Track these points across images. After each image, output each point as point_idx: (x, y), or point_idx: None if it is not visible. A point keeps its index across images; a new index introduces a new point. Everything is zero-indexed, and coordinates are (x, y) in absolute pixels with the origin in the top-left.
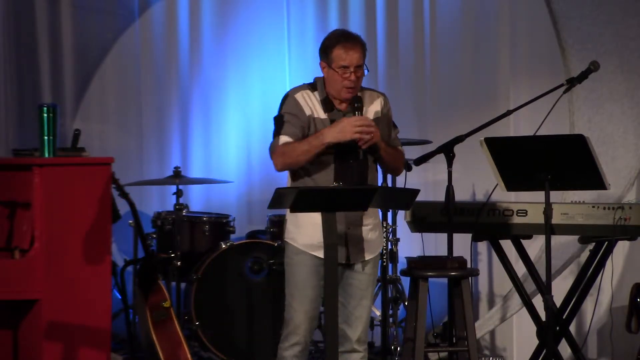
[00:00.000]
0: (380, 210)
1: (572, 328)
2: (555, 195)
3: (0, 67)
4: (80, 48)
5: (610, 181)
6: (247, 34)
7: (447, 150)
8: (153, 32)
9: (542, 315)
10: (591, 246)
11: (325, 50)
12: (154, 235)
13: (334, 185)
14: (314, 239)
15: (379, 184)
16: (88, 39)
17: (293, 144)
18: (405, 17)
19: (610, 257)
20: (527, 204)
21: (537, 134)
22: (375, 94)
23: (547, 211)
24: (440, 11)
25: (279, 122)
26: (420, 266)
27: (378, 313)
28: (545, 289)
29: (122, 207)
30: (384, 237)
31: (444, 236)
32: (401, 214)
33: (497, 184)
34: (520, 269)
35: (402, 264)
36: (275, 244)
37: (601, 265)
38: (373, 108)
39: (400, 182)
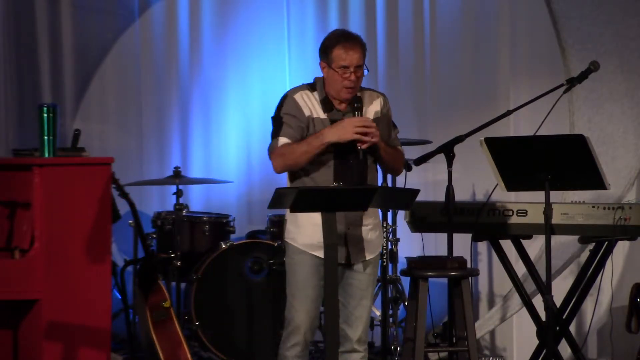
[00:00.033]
0: (380, 210)
1: (572, 328)
2: (555, 195)
3: (0, 67)
4: (80, 48)
5: (610, 181)
6: (247, 34)
7: (447, 150)
8: (153, 32)
9: (542, 315)
10: (591, 246)
11: (325, 50)
12: (154, 235)
13: (334, 185)
14: (314, 239)
15: (379, 184)
16: (88, 39)
17: (292, 145)
18: (405, 17)
19: (610, 257)
20: (527, 204)
21: (537, 134)
22: (375, 94)
23: (547, 211)
24: (440, 11)
25: (278, 124)
26: (420, 266)
27: (378, 313)
28: (545, 289)
29: (122, 207)
30: (384, 237)
31: (444, 236)
32: (401, 214)
33: (497, 184)
34: (520, 269)
35: (402, 264)
36: (275, 244)
37: (601, 265)
38: (373, 108)
39: (400, 182)
